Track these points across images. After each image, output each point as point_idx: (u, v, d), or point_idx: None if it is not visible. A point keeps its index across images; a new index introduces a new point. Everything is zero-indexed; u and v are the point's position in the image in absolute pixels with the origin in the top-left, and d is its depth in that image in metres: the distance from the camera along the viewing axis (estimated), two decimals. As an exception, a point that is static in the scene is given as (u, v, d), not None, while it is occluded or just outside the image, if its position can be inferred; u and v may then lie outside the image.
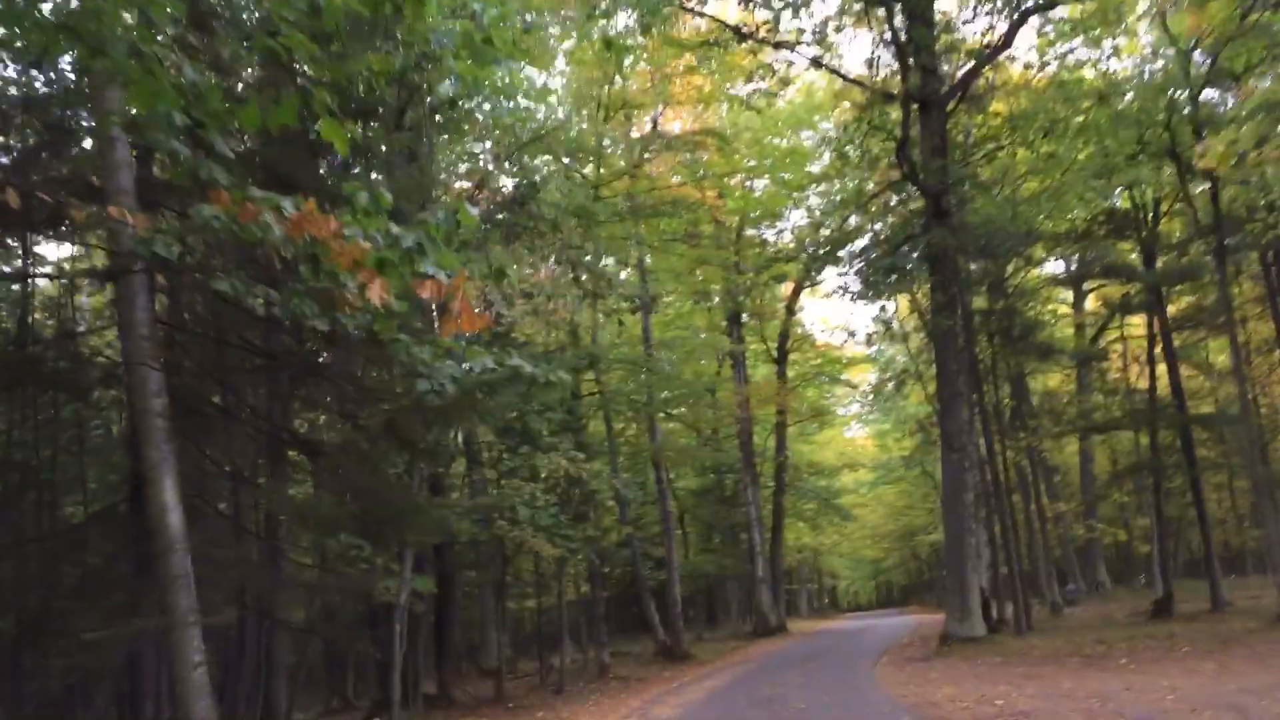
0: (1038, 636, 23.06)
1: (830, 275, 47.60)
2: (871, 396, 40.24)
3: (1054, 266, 35.89)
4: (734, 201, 31.29)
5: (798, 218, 37.86)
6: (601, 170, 26.09)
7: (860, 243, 27.23)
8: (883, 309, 26.03)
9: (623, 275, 37.16)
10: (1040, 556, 35.89)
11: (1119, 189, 26.41)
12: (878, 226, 26.78)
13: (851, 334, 36.92)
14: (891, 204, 26.41)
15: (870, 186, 26.28)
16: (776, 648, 32.03)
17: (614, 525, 29.28)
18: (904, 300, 36.61)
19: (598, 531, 22.43)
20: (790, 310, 42.37)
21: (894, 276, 22.20)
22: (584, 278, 19.34)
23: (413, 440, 10.43)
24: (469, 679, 32.18)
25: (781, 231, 35.79)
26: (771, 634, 37.45)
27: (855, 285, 26.31)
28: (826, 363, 45.98)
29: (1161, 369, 27.48)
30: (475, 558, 22.44)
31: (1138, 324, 33.08)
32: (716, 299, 37.50)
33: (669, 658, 29.36)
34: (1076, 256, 33.64)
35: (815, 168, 34.19)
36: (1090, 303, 40.25)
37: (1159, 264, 26.25)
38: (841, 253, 26.97)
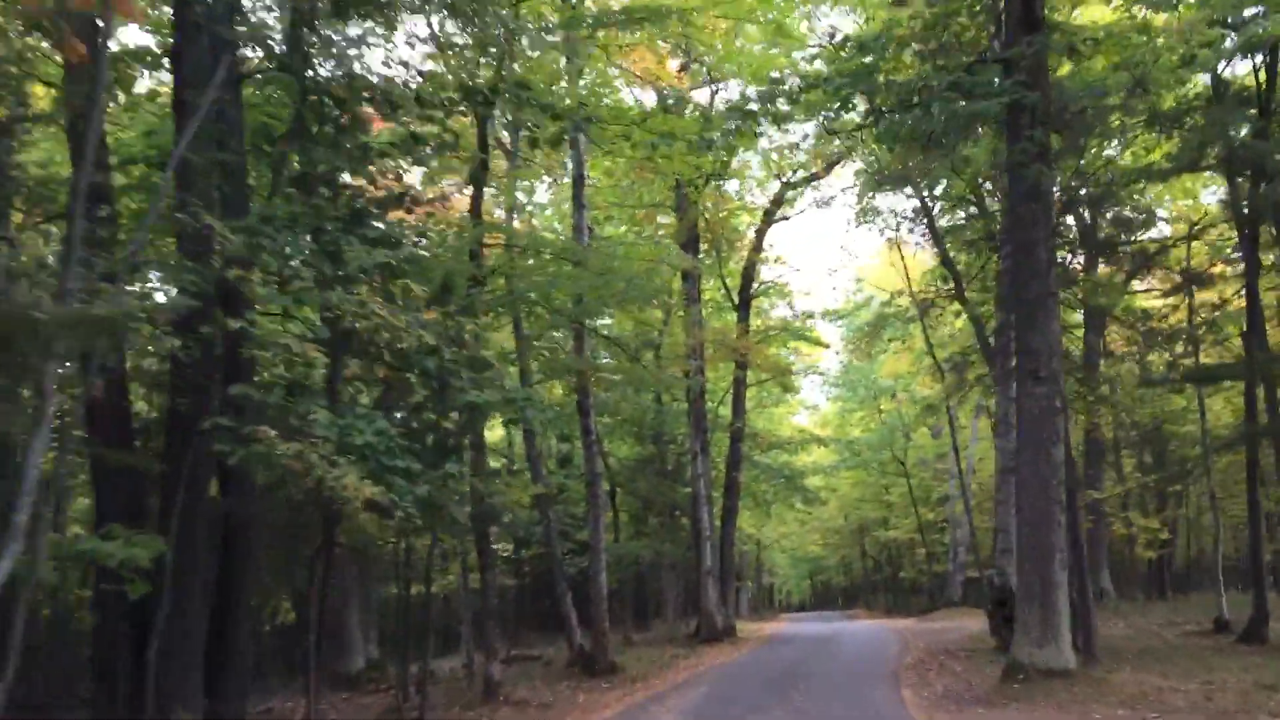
0: (1127, 668, 15.63)
1: (804, 204, 39.53)
2: (861, 339, 32.16)
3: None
4: (706, 38, 23.28)
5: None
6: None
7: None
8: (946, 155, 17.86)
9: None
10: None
11: (1235, 54, 19.12)
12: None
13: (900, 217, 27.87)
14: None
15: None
16: (732, 660, 24.35)
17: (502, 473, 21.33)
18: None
19: (479, 478, 14.56)
20: (758, 245, 34.71)
21: (966, 116, 14.31)
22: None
23: None
24: (322, 691, 24.15)
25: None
26: (718, 639, 29.79)
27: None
28: (791, 326, 38.45)
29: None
30: (291, 516, 14.39)
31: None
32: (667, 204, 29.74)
33: (588, 670, 21.58)
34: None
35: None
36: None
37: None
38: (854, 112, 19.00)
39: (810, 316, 38.29)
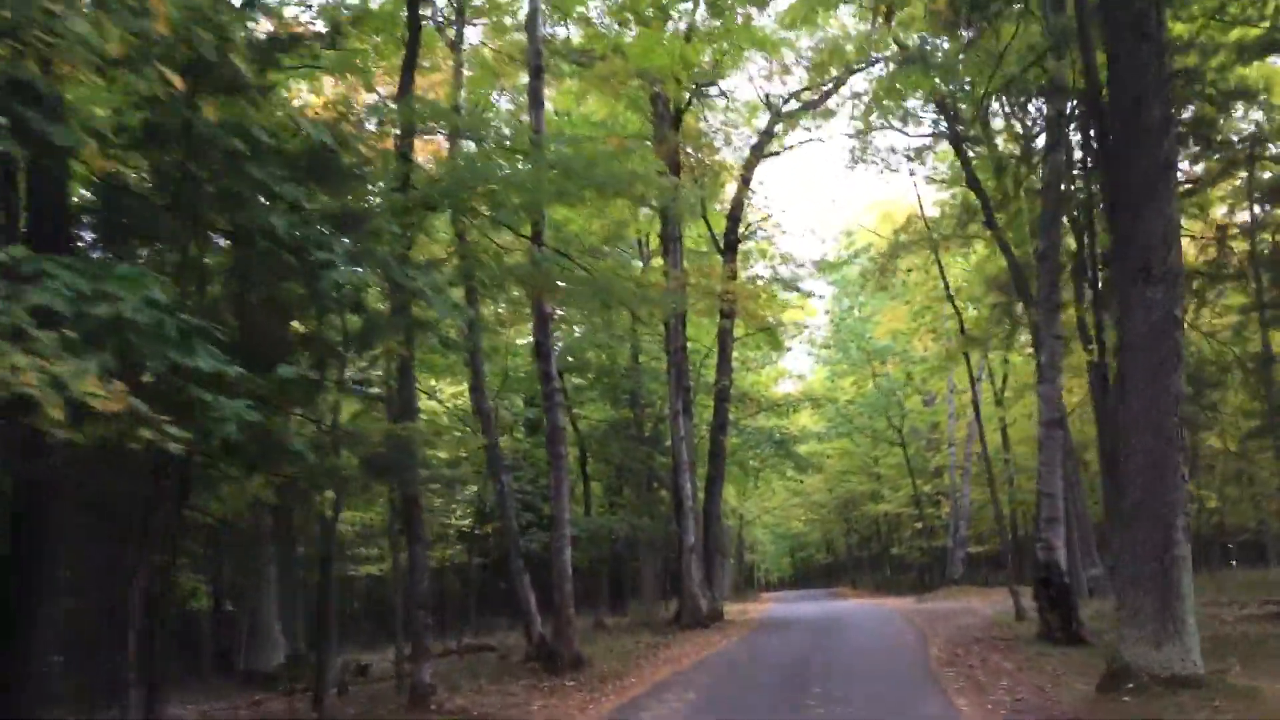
0: (1235, 666, 11.93)
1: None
2: (877, 272, 27.75)
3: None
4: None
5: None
6: None
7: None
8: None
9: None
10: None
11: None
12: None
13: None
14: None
15: None
16: (721, 651, 20.60)
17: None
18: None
19: (395, 424, 10.64)
20: (746, 181, 30.84)
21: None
22: None
23: None
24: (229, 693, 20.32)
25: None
26: (703, 625, 26.11)
27: None
28: (779, 277, 34.62)
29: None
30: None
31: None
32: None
33: (549, 666, 17.78)
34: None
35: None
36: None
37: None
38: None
39: (801, 266, 34.55)
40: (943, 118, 21.88)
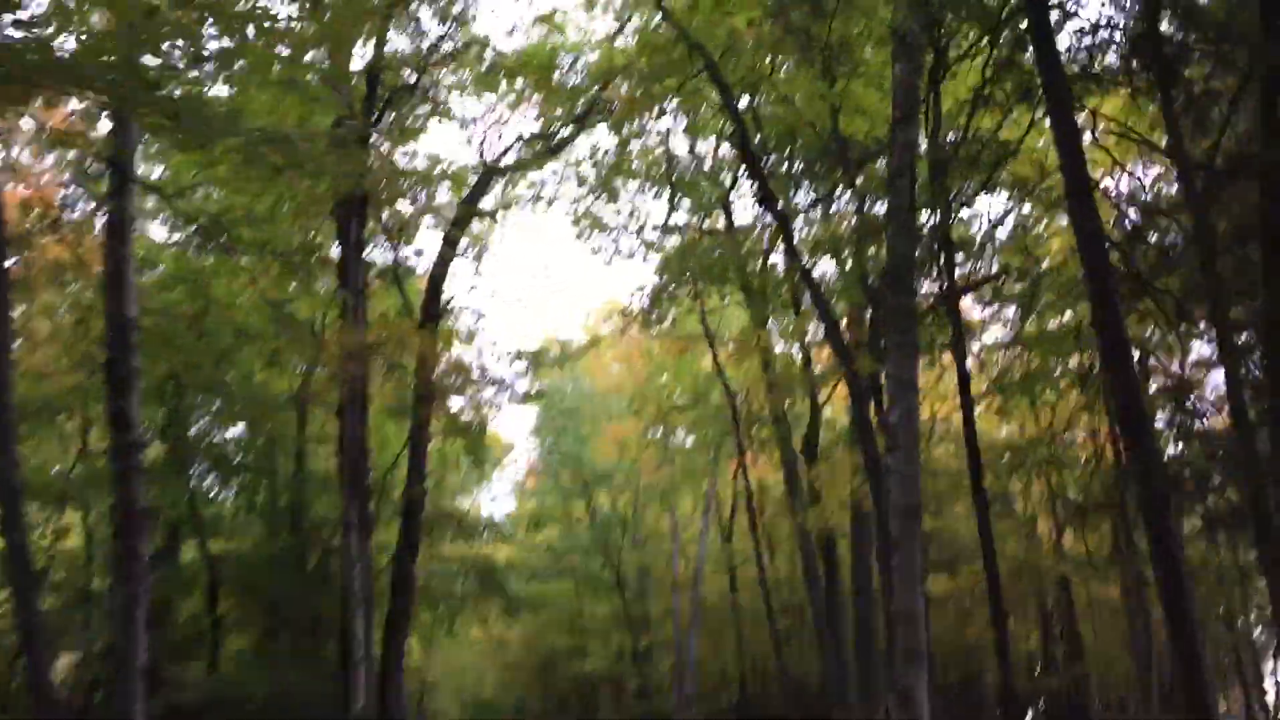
0: None
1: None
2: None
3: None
4: None
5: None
6: None
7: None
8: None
9: None
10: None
11: None
12: None
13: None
14: None
15: None
16: None
17: None
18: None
19: None
20: (453, 240, 24.30)
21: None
22: None
23: None
24: None
25: None
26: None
27: None
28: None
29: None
30: None
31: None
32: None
33: None
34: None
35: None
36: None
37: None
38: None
39: (517, 358, 28.11)
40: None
